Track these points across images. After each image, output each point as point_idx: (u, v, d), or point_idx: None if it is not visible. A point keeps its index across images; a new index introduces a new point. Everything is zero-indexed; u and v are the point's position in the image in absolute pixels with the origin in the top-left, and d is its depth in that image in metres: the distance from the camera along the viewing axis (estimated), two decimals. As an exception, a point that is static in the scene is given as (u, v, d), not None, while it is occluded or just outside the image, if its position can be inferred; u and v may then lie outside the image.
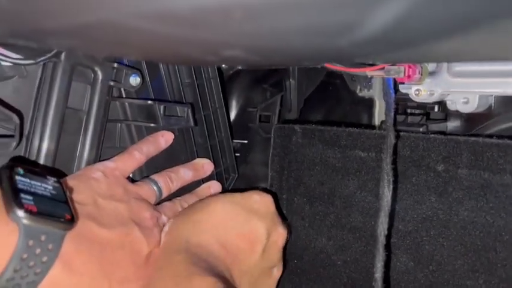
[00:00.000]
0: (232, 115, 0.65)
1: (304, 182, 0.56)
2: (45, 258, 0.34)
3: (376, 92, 0.65)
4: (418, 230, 0.46)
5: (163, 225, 0.49)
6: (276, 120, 0.62)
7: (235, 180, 0.61)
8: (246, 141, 0.63)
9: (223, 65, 0.63)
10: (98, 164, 0.47)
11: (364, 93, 0.66)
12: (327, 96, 0.73)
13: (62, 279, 0.36)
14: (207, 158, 0.56)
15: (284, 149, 0.58)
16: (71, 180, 0.42)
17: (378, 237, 0.39)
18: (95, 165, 0.46)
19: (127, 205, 0.45)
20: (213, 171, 0.56)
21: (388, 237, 0.40)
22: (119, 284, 0.40)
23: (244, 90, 0.65)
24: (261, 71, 0.66)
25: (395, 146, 0.42)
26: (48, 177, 0.38)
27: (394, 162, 0.42)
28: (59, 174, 0.43)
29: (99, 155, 0.48)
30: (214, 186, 0.56)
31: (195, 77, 0.54)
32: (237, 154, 0.63)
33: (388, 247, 0.40)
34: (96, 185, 0.44)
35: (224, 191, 0.59)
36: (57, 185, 0.37)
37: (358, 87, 0.66)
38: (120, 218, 0.43)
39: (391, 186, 0.40)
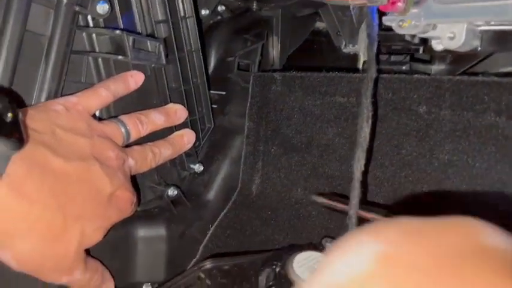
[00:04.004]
0: (211, 66, 0.62)
1: (281, 132, 0.54)
2: None
3: (361, 47, 0.62)
4: (396, 176, 0.44)
5: (130, 168, 0.46)
6: (255, 70, 0.60)
7: (210, 131, 0.58)
8: (223, 93, 0.60)
9: (203, 11, 0.60)
10: (59, 98, 0.44)
11: (349, 48, 0.63)
12: (310, 54, 0.70)
13: (9, 203, 0.33)
14: (181, 104, 0.53)
15: (263, 98, 0.56)
16: (28, 110, 0.39)
17: (354, 173, 0.37)
18: (56, 99, 0.43)
19: (89, 140, 0.42)
20: (187, 119, 0.53)
21: (365, 174, 0.38)
22: (74, 220, 0.38)
23: (224, 40, 0.62)
24: (243, 21, 0.63)
25: (376, 82, 0.40)
26: None
27: (375, 98, 0.39)
28: (16, 98, 0.40)
29: (61, 88, 0.44)
30: (188, 134, 0.54)
31: (170, 14, 0.51)
32: (214, 106, 0.60)
33: (364, 185, 0.38)
34: (55, 116, 0.41)
35: (198, 141, 0.56)
36: (6, 103, 0.34)
37: (344, 43, 0.63)
38: (80, 152, 0.40)
39: (370, 122, 0.38)
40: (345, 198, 0.40)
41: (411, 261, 0.17)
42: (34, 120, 0.38)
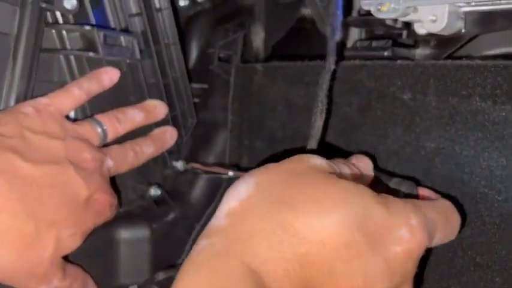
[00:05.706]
0: (192, 58, 0.60)
1: (266, 124, 0.52)
2: None
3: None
4: (382, 166, 0.42)
5: (109, 169, 0.44)
6: (238, 61, 0.58)
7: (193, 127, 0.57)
8: (206, 86, 0.58)
9: (182, 2, 0.58)
10: (29, 100, 0.42)
11: (335, 35, 0.61)
12: (297, 42, 0.68)
13: None
14: (160, 99, 0.51)
15: (245, 90, 0.54)
16: None
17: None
18: (26, 102, 0.42)
19: (63, 143, 0.40)
20: (167, 115, 0.52)
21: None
22: (47, 226, 0.36)
23: (204, 31, 0.60)
24: (223, 10, 0.61)
25: (334, 74, 0.40)
26: None
27: (330, 91, 0.40)
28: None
29: (31, 89, 0.43)
30: (170, 131, 0.52)
31: (144, 7, 0.49)
32: (197, 100, 0.58)
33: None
34: (25, 118, 0.39)
35: (181, 137, 0.55)
36: None
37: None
38: (52, 156, 0.39)
39: (324, 116, 0.38)
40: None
41: (271, 181, 0.29)
42: (1, 124, 0.37)
